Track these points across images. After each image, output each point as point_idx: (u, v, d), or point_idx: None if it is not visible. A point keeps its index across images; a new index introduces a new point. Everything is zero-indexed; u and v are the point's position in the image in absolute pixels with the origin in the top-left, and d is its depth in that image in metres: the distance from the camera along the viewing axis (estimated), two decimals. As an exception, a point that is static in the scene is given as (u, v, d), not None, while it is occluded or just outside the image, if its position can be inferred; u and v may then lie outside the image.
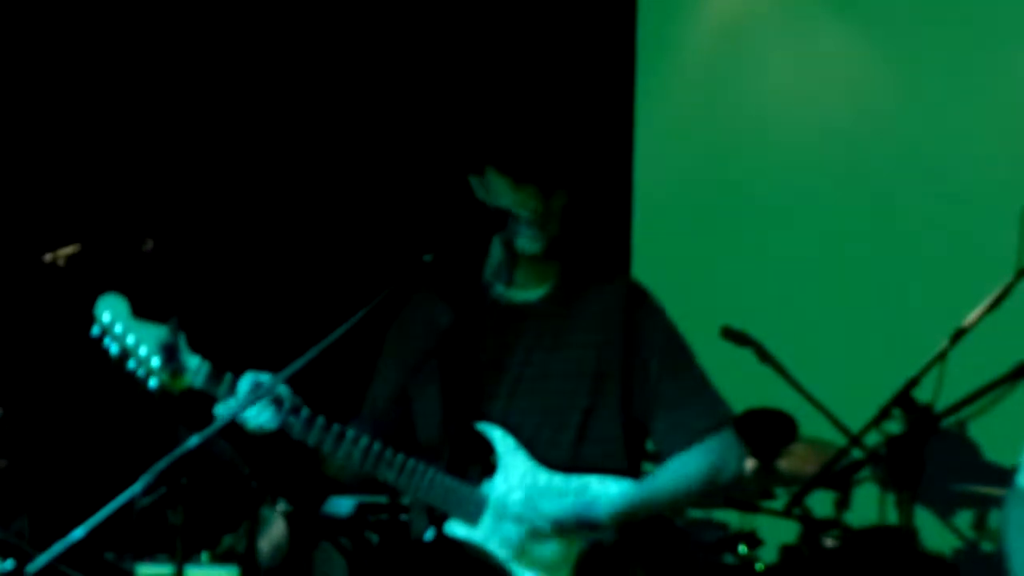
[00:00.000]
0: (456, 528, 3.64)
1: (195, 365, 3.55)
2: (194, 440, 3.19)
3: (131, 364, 3.54)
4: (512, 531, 3.60)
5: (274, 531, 5.37)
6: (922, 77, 6.60)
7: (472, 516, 3.62)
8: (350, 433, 3.57)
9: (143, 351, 3.53)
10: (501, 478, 3.64)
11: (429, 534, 3.63)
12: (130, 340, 3.53)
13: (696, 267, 6.89)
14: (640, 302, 3.77)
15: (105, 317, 3.54)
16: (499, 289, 3.75)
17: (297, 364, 3.35)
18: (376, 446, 3.58)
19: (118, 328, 3.53)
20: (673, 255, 6.96)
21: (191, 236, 6.64)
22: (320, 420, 3.56)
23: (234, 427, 3.50)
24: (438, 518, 3.64)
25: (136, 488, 3.05)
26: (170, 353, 3.49)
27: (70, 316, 3.77)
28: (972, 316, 5.00)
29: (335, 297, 6.44)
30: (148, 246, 4.29)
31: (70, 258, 4.27)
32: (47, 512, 5.50)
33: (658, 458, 3.79)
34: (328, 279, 6.94)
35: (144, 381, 3.55)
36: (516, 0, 7.30)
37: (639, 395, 3.70)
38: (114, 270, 4.27)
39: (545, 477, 3.63)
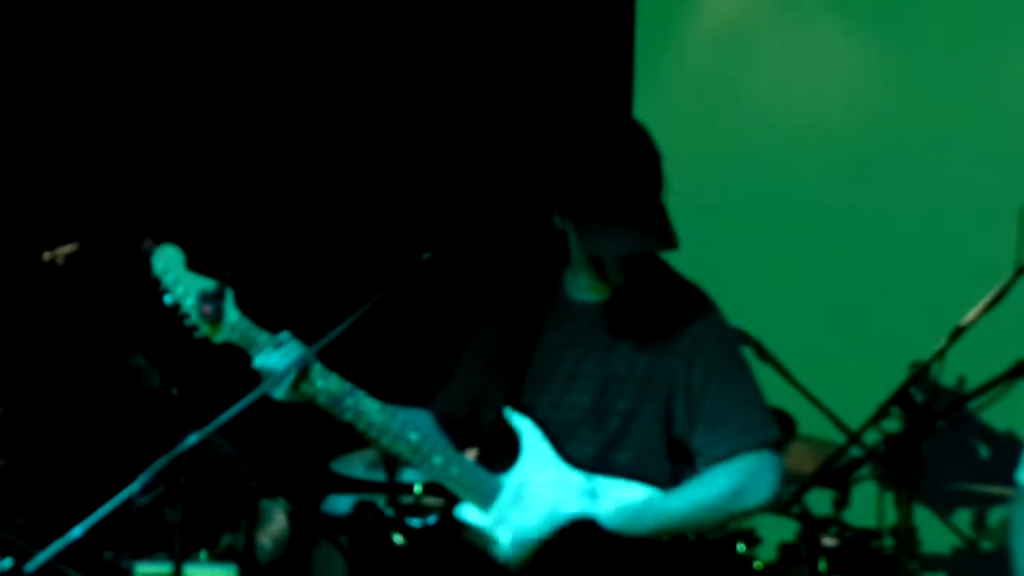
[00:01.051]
0: (467, 512, 3.64)
1: (235, 320, 3.60)
2: (193, 438, 3.20)
3: (180, 311, 3.62)
4: (520, 521, 3.60)
5: (275, 525, 5.38)
6: (921, 75, 6.60)
7: (484, 502, 3.62)
8: (374, 404, 3.57)
9: (189, 301, 3.59)
10: (520, 468, 3.63)
11: (430, 519, 3.64)
12: (180, 290, 3.60)
13: (694, 264, 6.86)
14: (699, 314, 3.72)
15: (159, 266, 3.63)
16: (570, 287, 3.76)
17: (326, 339, 3.37)
18: (397, 420, 3.58)
19: (169, 278, 3.62)
20: (671, 253, 6.94)
21: (190, 235, 6.62)
22: (348, 386, 3.57)
23: (234, 426, 3.51)
24: (452, 501, 3.65)
25: (135, 486, 3.06)
26: (212, 305, 3.57)
27: (69, 314, 3.79)
28: (971, 314, 5.00)
29: (334, 296, 6.44)
30: (147, 245, 4.28)
31: (69, 257, 4.28)
32: (46, 510, 5.50)
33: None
34: (327, 276, 6.94)
35: (191, 329, 3.61)
36: (515, 0, 7.30)
37: (682, 407, 3.63)
38: (113, 269, 4.27)
39: (566, 473, 3.62)
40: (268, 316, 6.86)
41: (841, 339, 6.46)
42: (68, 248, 4.29)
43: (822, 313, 6.56)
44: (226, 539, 5.41)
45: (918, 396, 4.78)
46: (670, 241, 3.67)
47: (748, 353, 5.55)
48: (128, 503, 3.06)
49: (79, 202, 6.73)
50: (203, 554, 5.14)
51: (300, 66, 7.21)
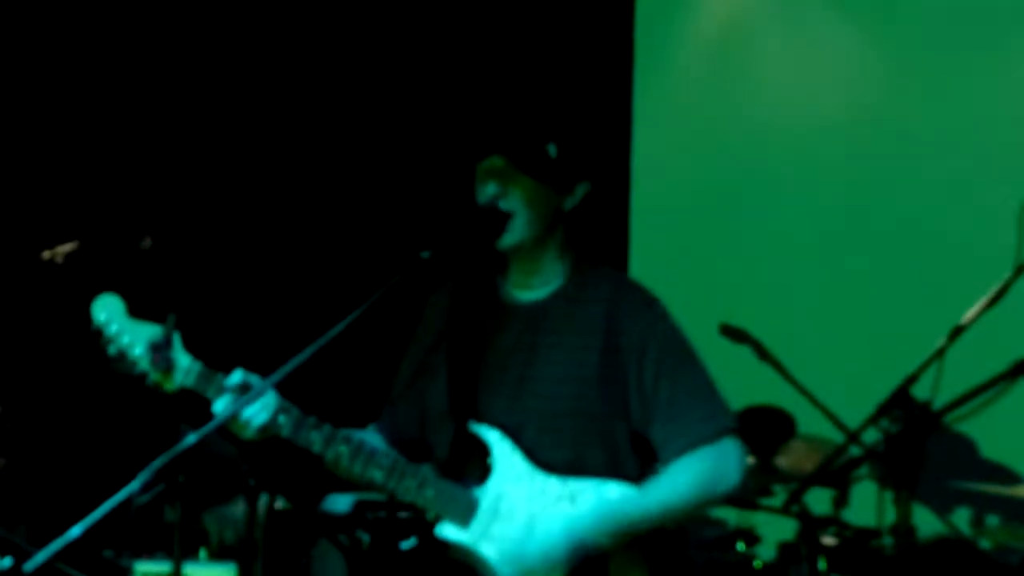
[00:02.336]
0: (447, 530, 3.62)
1: (186, 364, 3.52)
2: (192, 438, 3.19)
3: (126, 363, 3.54)
4: (503, 534, 3.58)
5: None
6: (920, 73, 6.60)
7: (463, 518, 3.60)
8: (340, 433, 3.55)
9: (137, 350, 3.51)
10: (495, 480, 3.61)
11: (409, 543, 3.62)
12: (125, 340, 3.52)
13: (694, 264, 6.89)
14: (643, 307, 3.69)
15: (100, 317, 3.53)
16: (507, 288, 3.74)
17: (287, 367, 3.33)
18: (366, 446, 3.56)
19: (113, 328, 3.52)
20: (671, 252, 6.96)
21: (189, 233, 6.63)
22: (310, 420, 3.55)
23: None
24: (430, 520, 3.63)
25: (134, 486, 3.05)
26: (162, 352, 3.49)
27: (68, 313, 3.77)
28: (971, 313, 4.99)
29: (334, 293, 6.44)
30: (146, 243, 4.28)
31: (68, 255, 4.27)
32: (45, 510, 5.50)
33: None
34: (326, 276, 6.94)
35: (139, 379, 3.54)
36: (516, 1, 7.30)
37: (638, 402, 3.62)
38: (112, 267, 4.27)
39: (540, 481, 3.59)
40: (266, 316, 6.86)
41: (840, 338, 6.45)
42: (67, 247, 4.28)
43: (821, 312, 6.55)
44: (211, 526, 5.42)
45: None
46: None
47: (747, 351, 5.58)
48: (127, 502, 3.05)
49: (78, 201, 6.73)
50: (202, 553, 5.14)
51: (296, 65, 7.22)
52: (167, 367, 3.49)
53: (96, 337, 3.54)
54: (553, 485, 3.59)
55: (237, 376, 3.51)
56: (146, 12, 7.02)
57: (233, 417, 3.45)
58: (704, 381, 3.68)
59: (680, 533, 3.68)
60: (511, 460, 3.60)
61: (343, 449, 3.53)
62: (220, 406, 3.48)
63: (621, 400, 3.62)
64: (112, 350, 3.53)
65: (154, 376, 3.50)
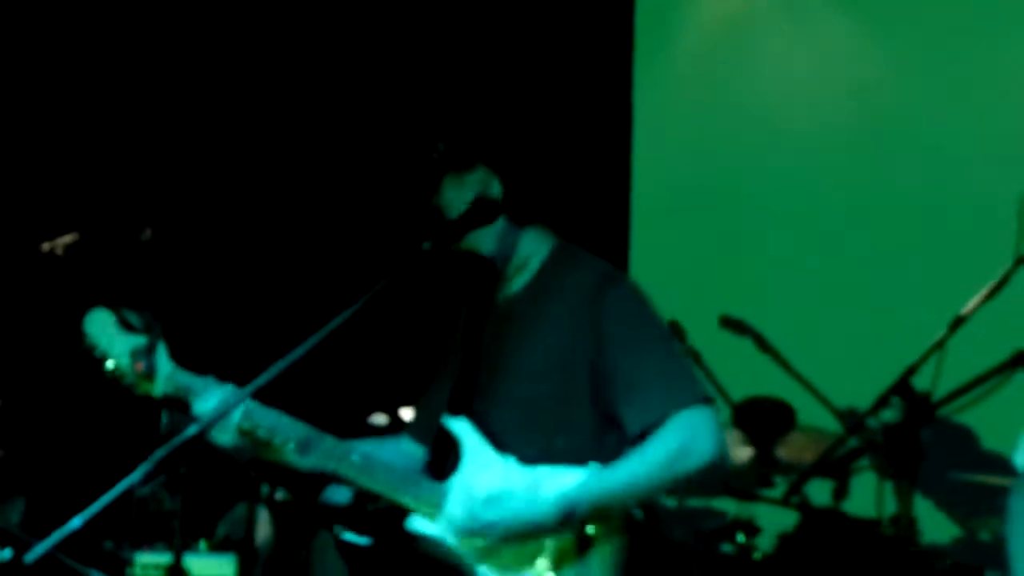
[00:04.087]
0: (417, 523, 3.63)
1: (168, 371, 3.64)
2: (192, 429, 3.19)
3: (116, 374, 3.68)
4: (471, 526, 3.57)
5: (261, 529, 5.39)
6: (921, 69, 6.60)
7: (433, 511, 3.61)
8: (311, 433, 3.61)
9: (123, 361, 3.65)
10: (463, 472, 3.62)
11: (364, 540, 3.66)
12: (113, 351, 3.67)
13: (695, 257, 6.88)
14: (605, 290, 3.63)
15: (93, 331, 3.68)
16: (498, 287, 3.77)
17: (267, 375, 3.35)
18: (339, 447, 3.61)
19: (102, 342, 3.66)
20: (672, 245, 6.96)
21: (188, 226, 6.63)
22: (284, 420, 3.62)
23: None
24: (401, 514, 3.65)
25: (134, 477, 3.05)
26: (145, 361, 3.63)
27: (68, 305, 3.79)
28: (971, 304, 5.00)
29: (336, 284, 6.44)
30: (146, 235, 4.28)
31: (68, 247, 4.27)
32: (45, 501, 5.49)
33: None
34: (327, 266, 6.94)
35: (128, 387, 3.68)
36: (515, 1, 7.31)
37: (603, 383, 3.58)
38: (112, 259, 4.26)
39: (507, 469, 3.59)
40: (266, 308, 6.86)
41: (840, 329, 6.45)
42: (67, 238, 4.28)
43: (821, 304, 6.55)
44: (222, 530, 5.41)
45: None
46: None
47: (748, 343, 5.58)
48: (128, 493, 3.05)
49: (78, 194, 6.73)
50: (202, 544, 5.14)
51: (294, 62, 7.22)
52: (149, 375, 3.63)
53: (89, 351, 3.69)
54: (518, 473, 3.58)
55: (214, 395, 3.59)
56: (147, 9, 7.01)
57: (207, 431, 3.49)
58: (667, 355, 3.60)
59: (651, 520, 3.63)
60: (479, 451, 3.62)
61: (320, 445, 3.61)
62: (199, 409, 3.58)
63: (587, 385, 3.59)
64: (110, 366, 3.67)
65: (140, 385, 3.65)
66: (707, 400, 3.56)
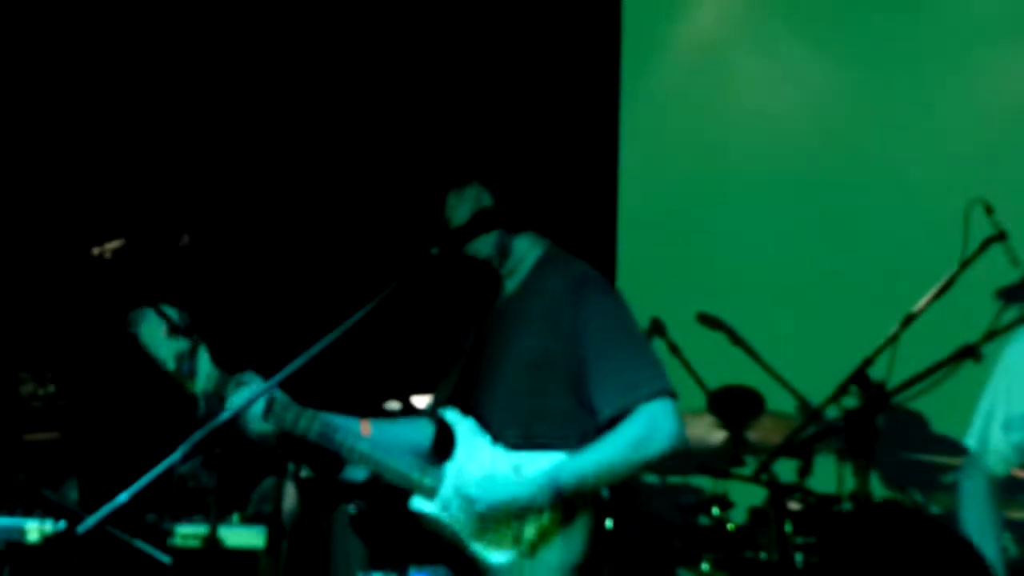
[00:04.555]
0: (416, 502, 3.65)
1: (208, 371, 3.68)
2: (225, 415, 3.21)
3: (161, 368, 3.74)
4: (464, 505, 3.60)
5: (288, 500, 5.39)
6: (878, 94, 6.60)
7: (431, 493, 3.63)
8: (326, 417, 3.63)
9: (169, 365, 3.72)
10: (457, 457, 3.65)
11: (351, 508, 3.72)
12: (160, 354, 3.72)
13: (675, 261, 6.88)
14: (582, 290, 3.66)
15: (139, 333, 3.73)
16: (502, 288, 3.81)
17: (292, 366, 3.37)
18: (350, 433, 3.66)
19: (150, 344, 3.72)
20: (655, 251, 6.95)
21: (222, 234, 6.63)
22: (296, 408, 3.65)
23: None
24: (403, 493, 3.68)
25: (175, 457, 3.06)
26: (188, 363, 3.70)
27: (115, 303, 3.81)
28: (921, 303, 5.00)
29: (352, 287, 6.44)
30: (185, 241, 4.29)
31: (115, 251, 4.28)
32: (95, 479, 5.50)
33: None
34: (344, 271, 6.93)
35: (171, 383, 3.74)
36: (507, 13, 7.29)
37: (578, 377, 3.61)
38: (154, 262, 4.28)
39: (494, 453, 3.62)
40: (292, 307, 6.83)
41: (805, 325, 6.45)
42: (115, 244, 4.29)
43: (788, 302, 6.54)
44: (252, 503, 5.42)
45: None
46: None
47: (722, 337, 5.58)
48: (169, 471, 3.06)
49: (124, 204, 6.73)
50: (236, 517, 5.14)
51: (316, 80, 7.21)
52: (191, 374, 3.69)
53: (136, 344, 3.74)
54: (504, 457, 3.61)
55: (247, 391, 3.63)
56: (191, 26, 7.01)
57: (239, 417, 3.61)
58: (636, 349, 3.62)
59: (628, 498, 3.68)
60: (472, 437, 3.65)
61: (326, 430, 3.65)
62: (236, 402, 3.61)
63: (564, 377, 3.62)
64: (160, 366, 3.73)
65: (185, 384, 3.72)
66: (670, 393, 3.59)
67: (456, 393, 3.74)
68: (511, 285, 3.77)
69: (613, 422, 3.56)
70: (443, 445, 3.68)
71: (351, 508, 3.81)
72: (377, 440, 3.69)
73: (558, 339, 3.62)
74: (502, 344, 3.70)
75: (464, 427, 3.65)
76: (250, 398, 3.50)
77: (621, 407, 3.55)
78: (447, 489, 3.62)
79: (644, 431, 3.54)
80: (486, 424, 3.65)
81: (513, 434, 3.63)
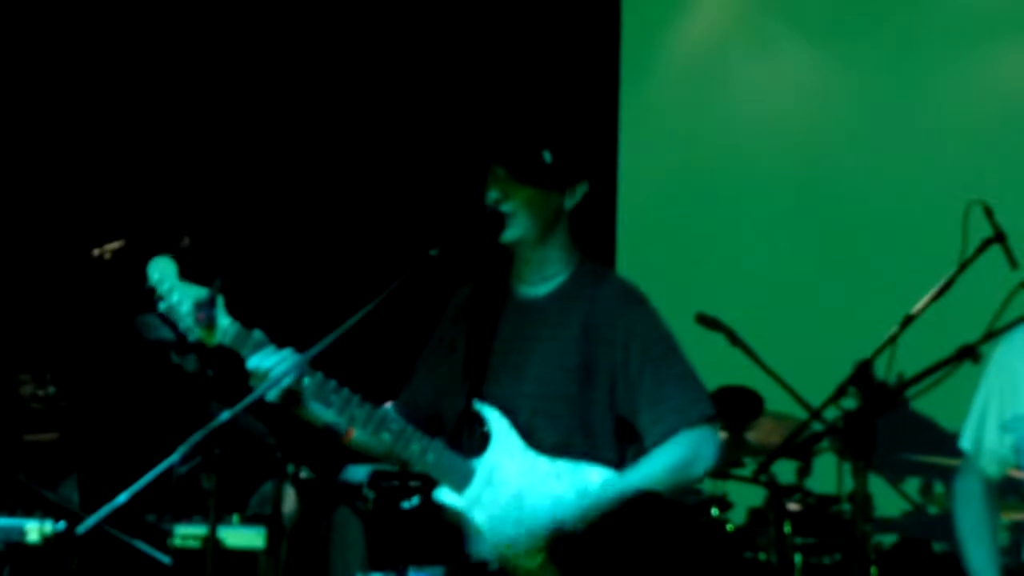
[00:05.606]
0: (443, 495, 3.62)
1: (226, 324, 3.55)
2: (225, 415, 3.19)
3: (173, 318, 3.58)
4: (493, 503, 3.57)
5: (288, 504, 5.39)
6: (877, 94, 6.61)
7: (459, 485, 3.59)
8: (356, 398, 3.54)
9: (184, 308, 3.55)
10: (491, 454, 3.59)
11: (412, 501, 3.61)
12: (174, 298, 3.56)
13: (674, 259, 6.89)
14: (630, 302, 3.65)
15: (154, 276, 3.58)
16: (517, 285, 3.73)
17: (315, 349, 3.34)
18: (379, 412, 3.55)
19: (165, 286, 3.57)
20: (654, 249, 6.96)
21: (222, 235, 6.63)
22: (331, 383, 3.54)
23: (262, 405, 3.50)
24: (431, 484, 3.62)
25: (174, 458, 3.05)
26: (206, 311, 3.52)
27: (115, 303, 3.79)
28: (920, 304, 5.01)
29: (355, 288, 6.44)
30: (185, 242, 4.29)
31: (115, 252, 4.27)
32: (95, 479, 5.50)
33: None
34: (349, 272, 6.94)
35: (185, 333, 3.57)
36: (507, 14, 7.30)
37: (623, 391, 3.58)
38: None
39: (531, 458, 3.57)
40: (292, 310, 6.85)
41: (805, 326, 6.46)
42: (115, 245, 4.29)
43: (787, 303, 6.56)
44: (252, 505, 5.42)
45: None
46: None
47: (721, 338, 5.58)
48: (168, 472, 3.05)
49: (124, 206, 6.73)
50: (235, 518, 5.14)
51: (321, 80, 7.22)
52: (209, 325, 3.51)
53: (149, 294, 3.57)
54: (542, 463, 3.56)
55: (259, 335, 3.53)
56: (196, 26, 7.02)
57: (264, 375, 3.46)
58: (685, 371, 3.62)
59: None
60: (507, 437, 3.59)
61: (359, 412, 3.52)
62: (253, 363, 3.49)
63: (606, 390, 3.59)
64: (162, 306, 3.56)
65: (197, 332, 3.53)
66: (712, 419, 3.59)
67: (473, 388, 3.67)
68: (544, 288, 3.72)
69: (655, 443, 3.54)
70: (470, 438, 3.63)
71: (406, 504, 3.69)
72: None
73: (606, 352, 3.59)
74: (537, 347, 3.64)
75: (500, 425, 3.59)
76: (280, 374, 3.43)
77: (669, 429, 3.54)
78: (478, 484, 3.57)
79: (689, 457, 3.54)
80: (520, 427, 3.60)
81: (549, 441, 3.58)
